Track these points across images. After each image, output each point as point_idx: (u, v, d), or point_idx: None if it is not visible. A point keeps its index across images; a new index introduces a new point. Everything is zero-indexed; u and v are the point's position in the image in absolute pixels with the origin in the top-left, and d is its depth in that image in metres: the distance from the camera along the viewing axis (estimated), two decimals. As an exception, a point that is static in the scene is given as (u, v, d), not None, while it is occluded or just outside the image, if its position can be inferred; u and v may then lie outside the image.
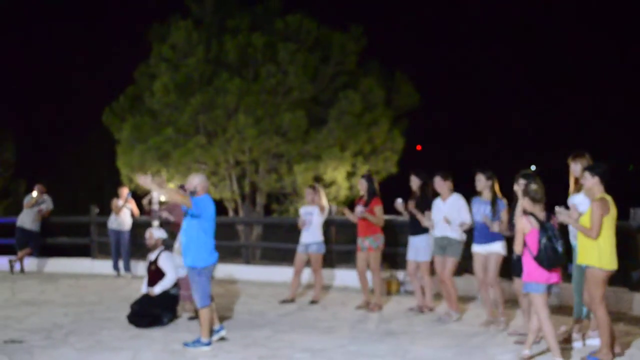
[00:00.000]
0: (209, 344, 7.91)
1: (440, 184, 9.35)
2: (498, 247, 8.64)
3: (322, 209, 10.83)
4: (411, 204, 9.76)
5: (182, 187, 9.93)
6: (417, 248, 9.83)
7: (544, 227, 6.80)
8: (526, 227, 6.84)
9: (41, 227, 14.92)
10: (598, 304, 6.97)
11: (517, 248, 6.97)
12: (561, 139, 33.32)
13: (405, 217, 10.10)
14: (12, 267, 14.48)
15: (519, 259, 8.03)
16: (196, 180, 8.10)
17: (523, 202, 7.01)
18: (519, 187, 8.11)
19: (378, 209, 10.07)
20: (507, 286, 9.31)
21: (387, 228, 10.44)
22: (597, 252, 6.94)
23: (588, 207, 7.21)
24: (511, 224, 8.22)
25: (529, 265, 6.88)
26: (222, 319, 9.00)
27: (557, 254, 6.77)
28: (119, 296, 11.49)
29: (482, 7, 42.18)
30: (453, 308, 9.27)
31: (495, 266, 8.67)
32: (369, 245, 10.05)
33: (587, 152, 7.89)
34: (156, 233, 9.59)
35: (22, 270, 14.56)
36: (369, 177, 10.38)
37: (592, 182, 7.16)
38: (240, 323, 9.22)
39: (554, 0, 41.29)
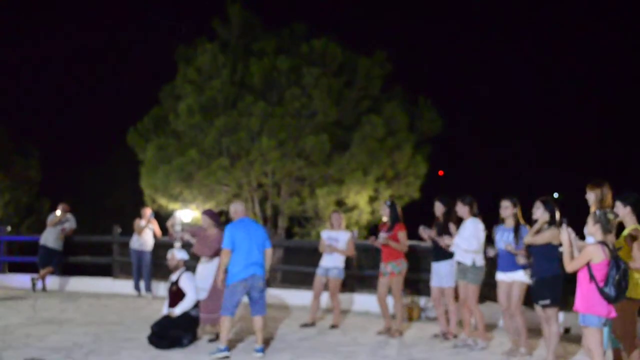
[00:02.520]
0: (223, 350, 8.37)
1: (460, 207, 9.30)
2: (522, 276, 8.54)
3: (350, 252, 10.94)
4: (431, 231, 9.71)
5: (206, 212, 9.97)
6: (440, 274, 9.78)
7: (616, 259, 6.31)
8: (598, 257, 6.28)
9: (64, 246, 14.99)
10: (631, 335, 6.83)
11: (570, 267, 6.45)
12: (584, 165, 33.03)
13: (428, 244, 10.05)
14: (34, 285, 14.54)
15: (539, 284, 7.94)
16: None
17: (592, 229, 6.48)
18: (538, 212, 8.06)
19: (402, 234, 10.03)
20: (530, 315, 9.22)
21: (409, 254, 10.38)
22: (631, 283, 6.72)
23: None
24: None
25: (592, 297, 6.32)
26: (239, 341, 9.00)
27: (624, 289, 6.28)
28: (140, 316, 11.49)
29: (507, 31, 42.26)
30: (480, 336, 9.16)
31: (519, 294, 8.57)
32: (392, 270, 9.99)
33: (607, 181, 7.71)
34: (178, 254, 9.59)
35: (44, 289, 14.62)
36: (392, 204, 10.34)
37: (624, 212, 7.02)
38: (264, 346, 9.16)
39: (581, 21, 41.31)
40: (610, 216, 6.44)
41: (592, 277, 6.28)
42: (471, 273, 9.12)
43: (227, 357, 8.36)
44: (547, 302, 7.94)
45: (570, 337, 9.84)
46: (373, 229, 11.42)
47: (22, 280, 15.23)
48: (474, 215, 9.25)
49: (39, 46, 32.04)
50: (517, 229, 8.58)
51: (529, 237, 8.07)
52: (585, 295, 6.34)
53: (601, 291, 6.24)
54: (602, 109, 39.65)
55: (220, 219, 9.92)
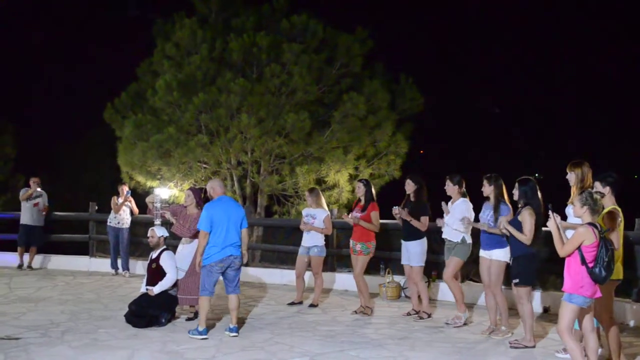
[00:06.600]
0: (202, 332, 8.27)
1: (449, 187, 9.25)
2: (499, 255, 8.49)
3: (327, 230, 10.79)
4: (403, 211, 9.60)
5: (192, 189, 9.80)
6: (410, 253, 9.73)
7: (604, 240, 6.23)
8: (589, 239, 6.18)
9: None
10: (608, 313, 6.85)
11: (563, 252, 6.31)
12: (566, 146, 33.24)
13: (399, 222, 9.95)
14: (20, 265, 14.40)
15: (513, 262, 7.92)
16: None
17: (580, 211, 6.35)
18: (517, 193, 8.02)
19: (374, 214, 9.96)
20: (510, 294, 9.22)
21: (384, 233, 10.32)
22: None
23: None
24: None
25: (581, 278, 6.24)
26: (219, 320, 8.91)
27: (612, 271, 6.25)
28: (117, 295, 11.39)
29: (491, 11, 42.24)
30: (460, 310, 9.17)
31: (498, 273, 8.53)
32: (360, 249, 9.96)
33: (587, 161, 7.68)
34: (158, 231, 9.47)
35: (30, 266, 14.45)
36: (367, 183, 10.25)
37: (603, 192, 7.01)
38: (239, 325, 9.10)
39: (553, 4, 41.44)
40: (597, 196, 6.37)
41: (583, 260, 6.21)
42: (459, 248, 9.11)
43: (205, 339, 8.27)
44: (516, 280, 7.93)
45: (549, 316, 9.85)
46: (350, 208, 11.36)
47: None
48: (463, 194, 9.21)
49: (15, 21, 31.52)
50: (497, 207, 8.53)
51: (502, 226, 8.05)
52: (574, 276, 6.27)
53: (591, 272, 6.19)
54: (582, 91, 39.85)
55: (202, 196, 9.75)
